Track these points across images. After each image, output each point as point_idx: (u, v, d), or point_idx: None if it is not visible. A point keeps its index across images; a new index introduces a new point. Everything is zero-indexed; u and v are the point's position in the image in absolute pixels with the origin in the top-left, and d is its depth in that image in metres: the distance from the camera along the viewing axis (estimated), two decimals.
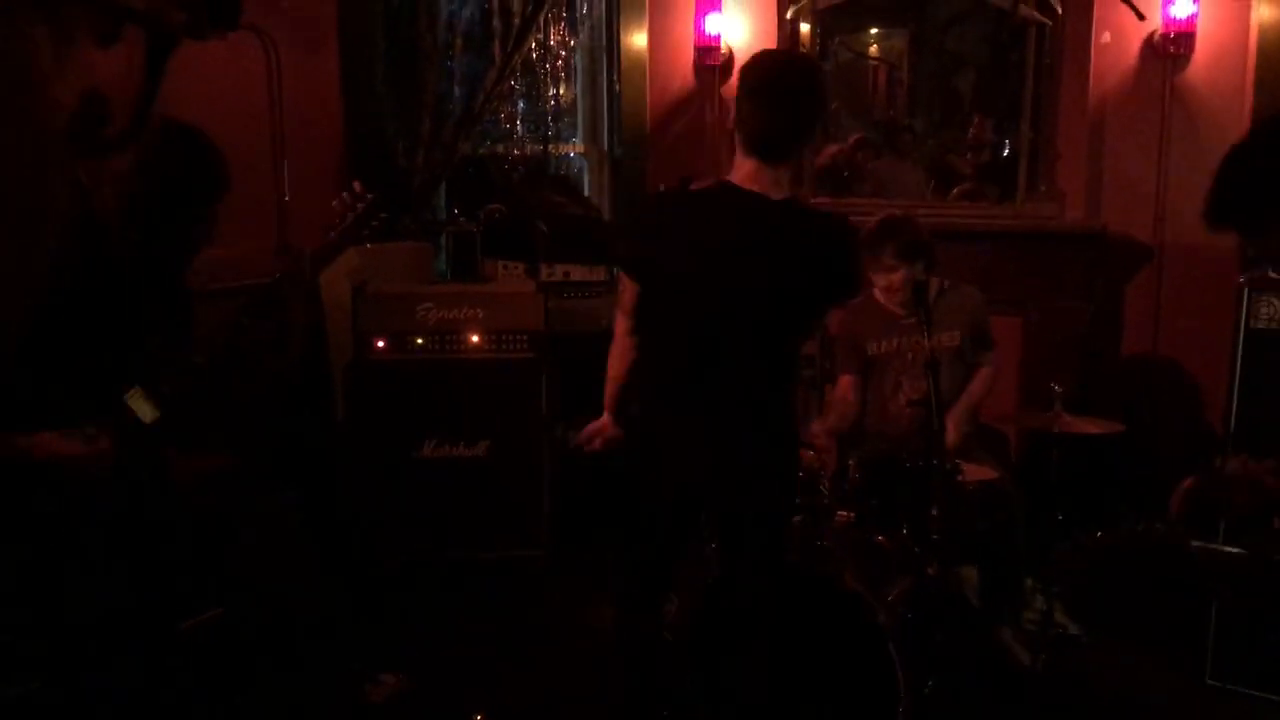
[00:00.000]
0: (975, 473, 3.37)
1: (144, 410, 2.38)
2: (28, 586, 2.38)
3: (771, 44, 4.92)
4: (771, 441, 2.59)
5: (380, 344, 4.10)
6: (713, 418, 2.52)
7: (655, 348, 2.63)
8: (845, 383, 3.85)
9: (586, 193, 5.37)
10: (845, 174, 5.43)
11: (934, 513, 2.93)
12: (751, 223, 2.45)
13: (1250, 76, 4.44)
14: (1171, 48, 4.49)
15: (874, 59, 5.91)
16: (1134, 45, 4.58)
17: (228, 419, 3.81)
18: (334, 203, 2.64)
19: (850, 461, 3.38)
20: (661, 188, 4.36)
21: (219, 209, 2.55)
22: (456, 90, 4.82)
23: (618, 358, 2.75)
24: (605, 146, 5.31)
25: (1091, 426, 3.51)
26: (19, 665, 2.44)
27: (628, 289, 2.66)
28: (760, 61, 2.51)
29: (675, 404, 2.57)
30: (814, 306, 2.68)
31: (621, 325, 2.73)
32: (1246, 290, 3.59)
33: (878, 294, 3.82)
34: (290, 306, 2.64)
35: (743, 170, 2.48)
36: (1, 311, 0.83)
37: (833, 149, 5.45)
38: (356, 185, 2.65)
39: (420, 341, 4.12)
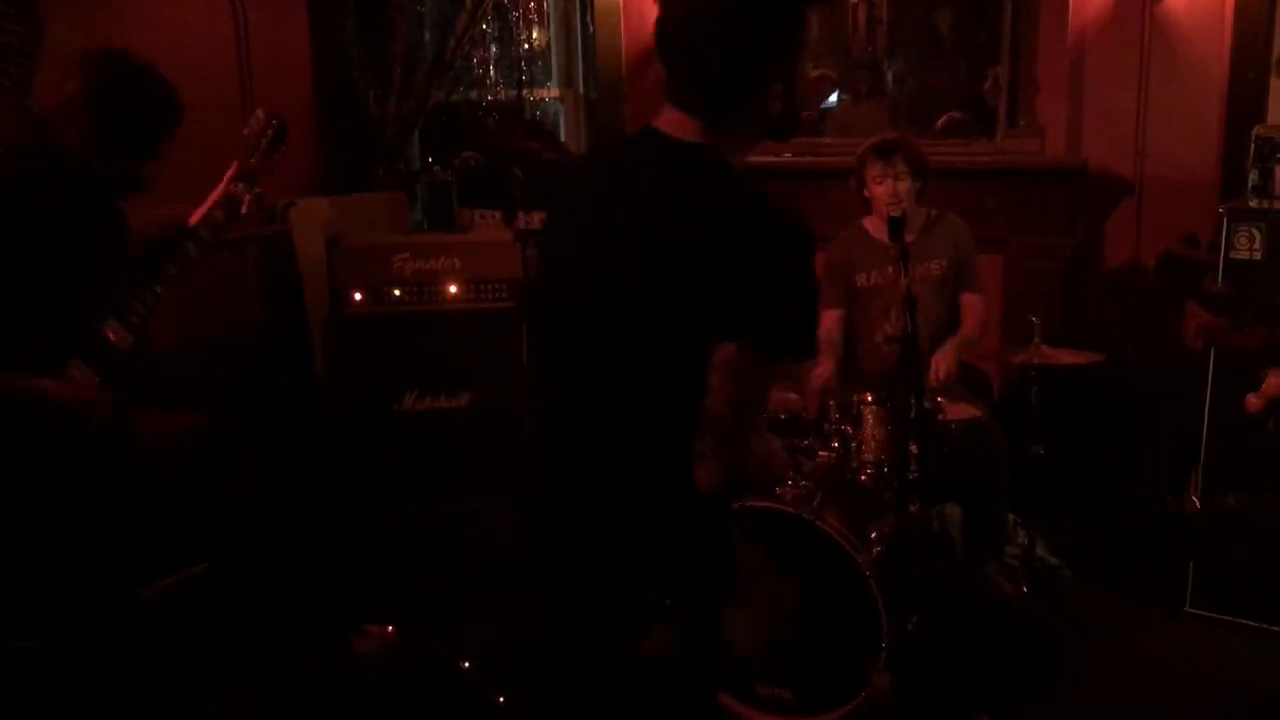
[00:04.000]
0: (957, 411, 3.37)
1: (122, 338, 2.54)
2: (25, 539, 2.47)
3: None
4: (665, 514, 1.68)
5: (357, 297, 4.06)
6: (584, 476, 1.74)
7: (538, 402, 1.85)
8: (830, 318, 3.82)
9: (563, 138, 5.31)
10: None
11: (914, 450, 2.93)
12: (642, 180, 1.70)
13: (1230, 7, 4.39)
14: None
15: None
16: None
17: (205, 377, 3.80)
18: (245, 130, 2.77)
19: (831, 401, 3.37)
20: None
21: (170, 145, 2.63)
22: (427, 36, 4.73)
23: None
24: (581, 90, 5.24)
25: (1070, 357, 3.52)
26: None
27: None
28: None
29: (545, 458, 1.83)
30: (703, 321, 1.58)
31: None
32: (1225, 221, 3.58)
33: (867, 223, 3.81)
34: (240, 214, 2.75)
35: (664, 118, 1.73)
36: None
37: None
38: (260, 112, 2.79)
39: (398, 293, 4.08)
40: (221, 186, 2.77)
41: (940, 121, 5.20)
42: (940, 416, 3.28)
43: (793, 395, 3.62)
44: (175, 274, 2.65)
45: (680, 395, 1.59)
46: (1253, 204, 3.60)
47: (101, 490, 2.61)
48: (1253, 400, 2.75)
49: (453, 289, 4.09)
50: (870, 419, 3.24)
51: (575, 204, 1.81)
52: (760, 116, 1.69)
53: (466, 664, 3.21)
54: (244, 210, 2.77)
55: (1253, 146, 3.69)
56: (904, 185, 3.62)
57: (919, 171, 3.66)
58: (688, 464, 1.60)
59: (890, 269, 3.71)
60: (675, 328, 1.60)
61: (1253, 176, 3.64)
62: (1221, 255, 3.56)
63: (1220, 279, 3.50)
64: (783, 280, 1.58)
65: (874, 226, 3.78)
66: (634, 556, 1.69)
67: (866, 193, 3.71)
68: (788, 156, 4.94)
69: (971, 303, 3.84)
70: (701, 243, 1.58)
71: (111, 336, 2.54)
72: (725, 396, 1.57)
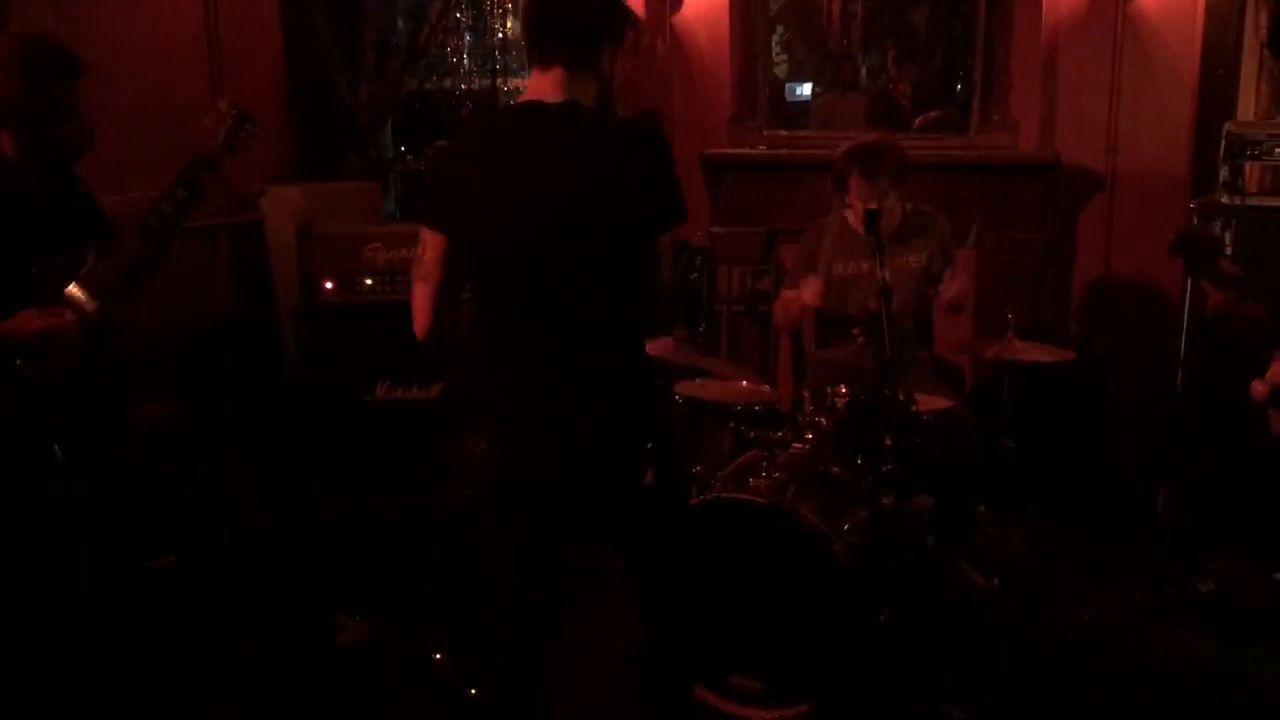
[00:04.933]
0: (929, 402, 3.38)
1: (83, 302, 2.61)
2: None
3: None
4: (630, 398, 2.26)
5: (328, 285, 4.02)
6: (575, 385, 2.19)
7: (491, 311, 2.23)
8: (814, 284, 3.73)
9: None
10: None
11: (888, 443, 2.93)
12: (550, 132, 2.12)
13: (1201, 4, 4.43)
14: None
15: None
16: None
17: (174, 365, 3.76)
18: (205, 119, 2.78)
19: (806, 393, 3.37)
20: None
21: (78, 96, 2.67)
22: (400, 24, 4.69)
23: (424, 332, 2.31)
24: None
25: (1042, 354, 3.53)
26: None
27: (429, 245, 2.23)
28: None
29: (527, 375, 2.21)
30: (638, 216, 2.17)
31: (423, 296, 2.26)
32: (1196, 216, 3.61)
33: (849, 216, 3.80)
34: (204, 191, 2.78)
35: (530, 83, 2.20)
36: None
37: None
38: (222, 103, 2.81)
39: (369, 282, 4.04)
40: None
41: (917, 122, 5.22)
42: (913, 408, 3.28)
43: (766, 387, 3.62)
44: (157, 225, 2.70)
45: (638, 277, 2.22)
46: (1224, 199, 3.64)
47: (97, 469, 2.72)
48: (1258, 386, 2.70)
49: None
50: (844, 411, 3.24)
51: (497, 157, 2.16)
52: (601, 72, 2.19)
53: (437, 656, 3.19)
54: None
55: (1223, 143, 3.72)
56: (889, 201, 3.58)
57: (901, 179, 3.62)
58: (639, 329, 2.31)
59: (867, 263, 3.71)
60: (631, 230, 2.17)
61: (1224, 172, 3.68)
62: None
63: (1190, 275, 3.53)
64: (672, 173, 2.20)
65: (854, 218, 3.76)
66: (627, 403, 2.24)
67: (847, 199, 3.66)
68: (762, 149, 4.94)
69: (948, 276, 3.79)
70: (628, 165, 2.14)
71: (74, 296, 2.61)
72: (664, 269, 2.28)
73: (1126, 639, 3.44)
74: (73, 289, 2.62)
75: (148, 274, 2.76)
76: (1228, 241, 3.62)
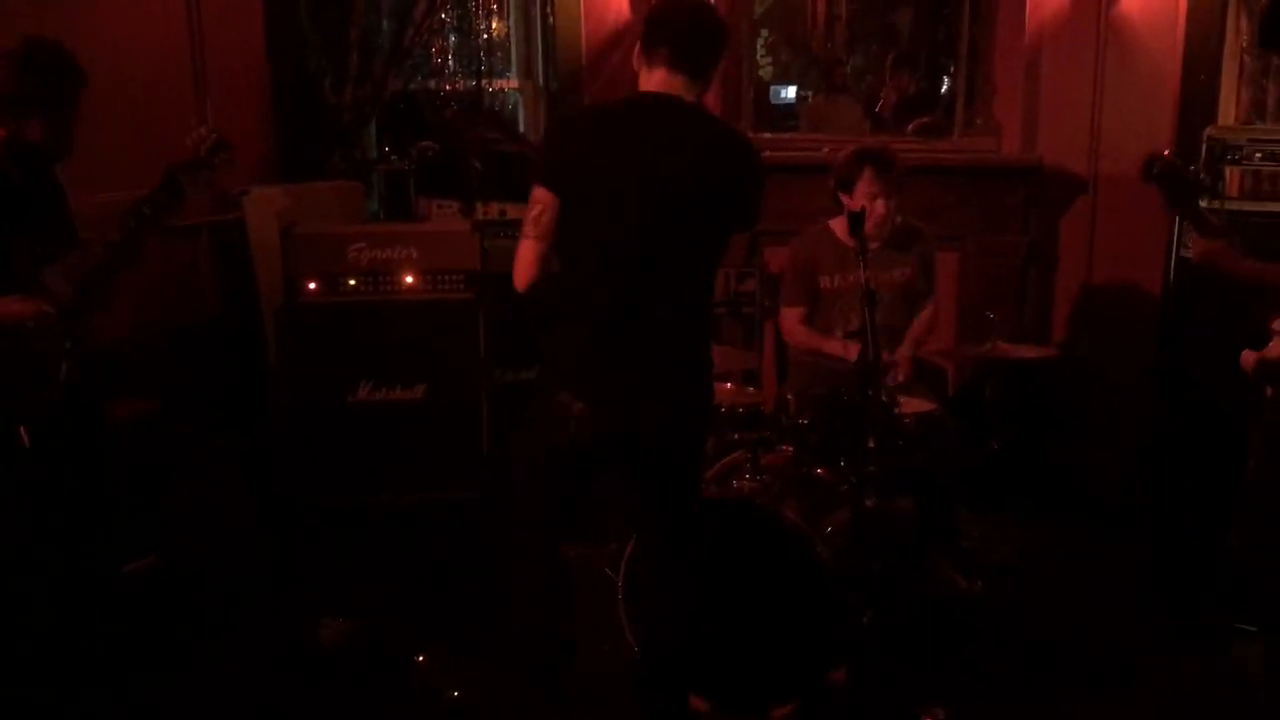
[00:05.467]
0: (912, 405, 3.39)
1: (62, 289, 2.70)
2: None
3: None
4: (696, 374, 2.55)
5: (311, 286, 4.00)
6: (647, 348, 2.45)
7: (582, 272, 2.48)
8: (791, 315, 3.83)
9: (522, 129, 5.27)
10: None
11: (871, 445, 2.94)
12: (671, 122, 2.45)
13: (1182, 8, 4.46)
14: None
15: None
16: None
17: (156, 364, 3.75)
18: (187, 139, 2.91)
19: (789, 395, 3.37)
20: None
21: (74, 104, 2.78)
22: (385, 24, 4.68)
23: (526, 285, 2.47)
24: (540, 81, 5.20)
25: (1025, 352, 3.55)
26: None
27: (545, 207, 2.43)
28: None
29: (606, 334, 2.45)
30: (728, 214, 2.54)
31: (532, 251, 2.45)
32: (1178, 220, 3.63)
33: (834, 227, 3.81)
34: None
35: (653, 79, 2.49)
36: None
37: None
38: (203, 128, 2.96)
39: (353, 283, 4.03)
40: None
41: (911, 126, 5.24)
42: (896, 410, 3.29)
43: (751, 389, 3.62)
44: (135, 225, 2.80)
45: (712, 267, 2.56)
46: (1204, 204, 3.65)
47: (71, 465, 2.81)
48: (1248, 356, 2.66)
49: (409, 279, 4.04)
50: (828, 413, 3.25)
51: (613, 134, 2.47)
52: (709, 84, 2.58)
53: (420, 658, 3.18)
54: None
55: (1205, 147, 3.75)
56: (894, 203, 3.62)
57: (902, 185, 3.66)
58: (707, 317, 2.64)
59: (851, 274, 3.72)
60: (714, 223, 2.49)
61: (1205, 177, 3.70)
62: (1172, 255, 3.61)
63: (1171, 278, 3.53)
64: (760, 188, 2.58)
65: (840, 228, 3.76)
66: (688, 380, 2.52)
67: (848, 199, 3.66)
68: None
69: (923, 315, 3.87)
70: (725, 166, 2.48)
71: (50, 285, 2.70)
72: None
73: (1110, 641, 3.46)
74: (51, 276, 2.70)
75: (123, 270, 2.85)
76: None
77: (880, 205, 3.57)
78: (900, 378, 3.59)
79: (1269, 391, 2.72)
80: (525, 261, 2.46)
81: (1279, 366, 2.63)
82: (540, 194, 2.45)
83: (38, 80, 2.67)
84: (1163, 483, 3.80)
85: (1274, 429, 2.74)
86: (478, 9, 5.05)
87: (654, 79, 2.49)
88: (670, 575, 2.61)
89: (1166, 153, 2.94)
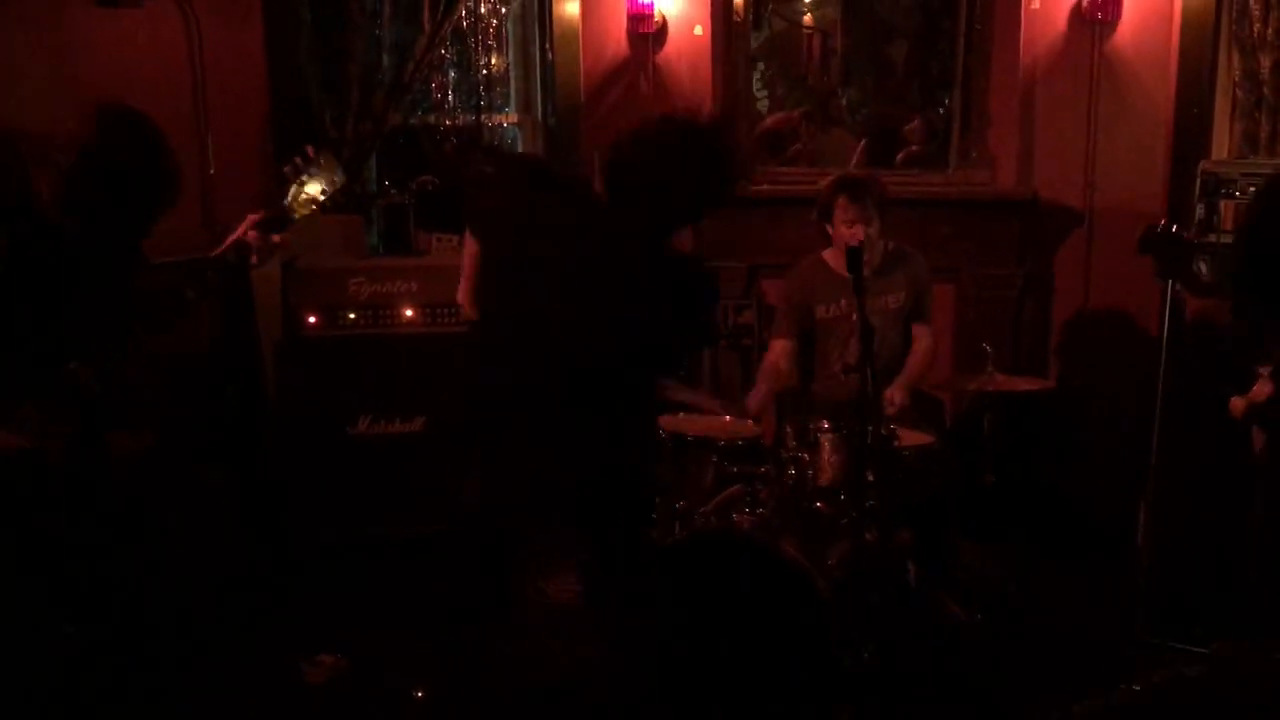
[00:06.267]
0: (911, 438, 3.40)
1: (87, 383, 2.52)
2: None
3: (705, 13, 4.88)
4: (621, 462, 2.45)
5: (311, 319, 4.02)
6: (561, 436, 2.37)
7: (498, 345, 2.44)
8: (779, 348, 3.86)
9: None
10: (789, 143, 5.43)
11: (870, 478, 2.95)
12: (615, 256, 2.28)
13: (1175, 42, 4.51)
14: (1099, 14, 4.53)
15: (808, 27, 5.90)
16: (1063, 11, 4.61)
17: (154, 396, 3.73)
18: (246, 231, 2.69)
19: (788, 428, 3.38)
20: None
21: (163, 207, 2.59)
22: (385, 59, 4.71)
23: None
24: (539, 116, 5.24)
25: (1022, 384, 3.57)
26: None
27: (471, 250, 2.46)
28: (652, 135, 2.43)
29: (519, 415, 2.37)
30: (674, 354, 2.51)
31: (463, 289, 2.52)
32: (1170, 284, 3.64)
33: (828, 258, 3.84)
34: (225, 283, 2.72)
35: None
36: None
37: (779, 116, 5.47)
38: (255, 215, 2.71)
39: (352, 316, 4.04)
40: (240, 230, 2.70)
41: (900, 156, 5.27)
42: (895, 443, 3.30)
43: (749, 422, 3.63)
44: (192, 298, 2.64)
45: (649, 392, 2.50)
46: (1199, 237, 3.68)
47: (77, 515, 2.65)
48: (1237, 403, 2.73)
49: (409, 313, 4.06)
50: (827, 446, 3.25)
51: (554, 232, 2.33)
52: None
53: (419, 693, 3.17)
54: (254, 260, 2.69)
55: (1199, 181, 3.78)
56: (873, 229, 3.65)
57: (885, 211, 3.70)
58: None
59: (845, 302, 3.74)
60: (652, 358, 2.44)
61: (1199, 210, 3.73)
62: (1168, 288, 3.62)
63: (1168, 311, 3.55)
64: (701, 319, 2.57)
65: (834, 259, 3.80)
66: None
67: (831, 230, 3.72)
68: (744, 185, 4.97)
69: (920, 334, 3.90)
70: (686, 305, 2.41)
71: (78, 378, 2.50)
72: None
73: (1109, 673, 3.45)
74: (78, 367, 2.54)
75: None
76: (1203, 269, 3.65)
77: (858, 232, 3.59)
78: (894, 411, 3.60)
79: (1257, 434, 2.78)
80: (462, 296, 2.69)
81: (1266, 407, 2.68)
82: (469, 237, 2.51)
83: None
84: (1160, 512, 3.79)
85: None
86: (477, 45, 5.09)
87: None
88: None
89: (1163, 222, 2.96)
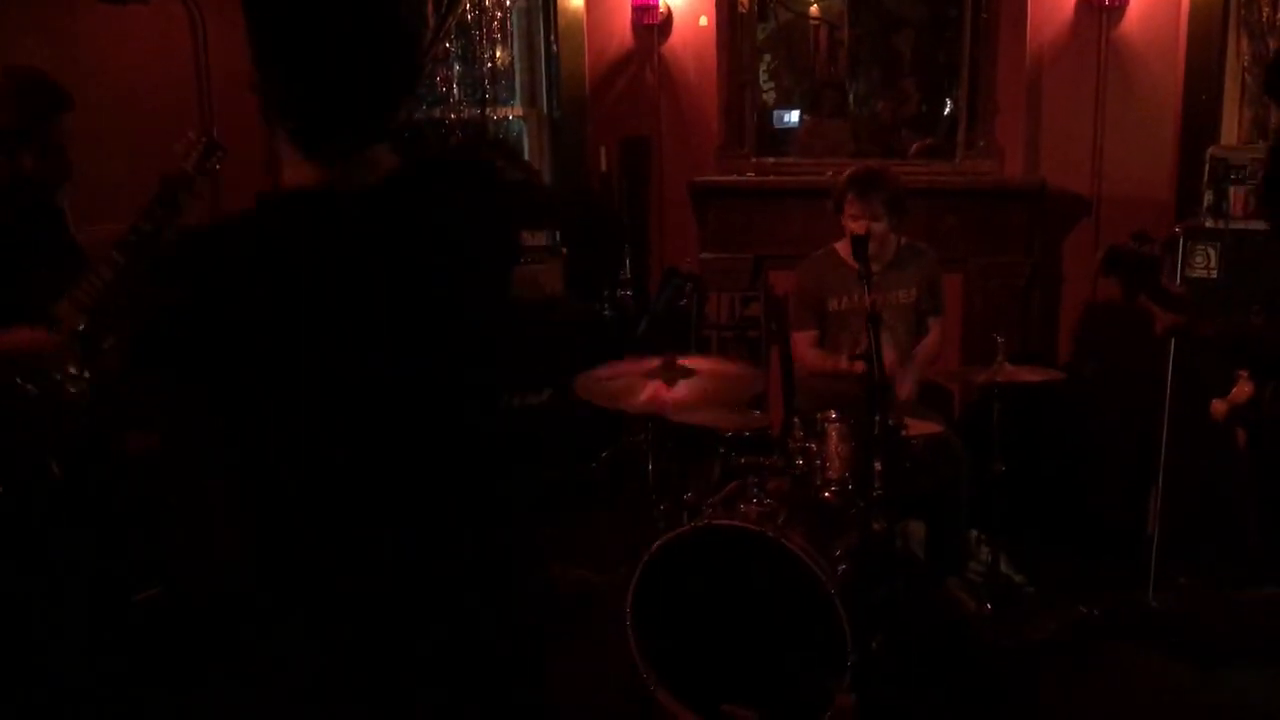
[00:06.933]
0: (919, 428, 3.38)
1: (73, 318, 2.68)
2: None
3: (710, 4, 4.87)
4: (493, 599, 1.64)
5: None
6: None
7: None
8: (804, 339, 3.85)
9: (526, 156, 5.29)
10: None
11: (878, 468, 2.93)
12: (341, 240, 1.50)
13: (1183, 27, 4.47)
14: (1106, 1, 4.50)
15: (814, 19, 5.88)
16: None
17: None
18: (175, 146, 2.81)
19: (795, 418, 3.37)
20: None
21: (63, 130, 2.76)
22: None
23: None
24: (544, 109, 5.24)
25: (1031, 375, 3.55)
26: None
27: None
28: None
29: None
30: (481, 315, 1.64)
31: None
32: (1182, 240, 3.63)
33: (839, 249, 3.82)
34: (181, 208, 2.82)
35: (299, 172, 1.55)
36: None
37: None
38: (191, 132, 2.85)
39: None
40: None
41: (913, 149, 5.24)
42: (903, 433, 3.29)
43: (758, 413, 3.62)
44: (137, 240, 2.74)
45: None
46: (1208, 223, 3.66)
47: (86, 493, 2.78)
48: (1218, 406, 2.76)
49: None
50: (834, 436, 3.24)
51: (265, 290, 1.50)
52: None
53: None
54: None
55: (1207, 167, 3.75)
56: (880, 226, 3.62)
57: (896, 208, 3.67)
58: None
59: (858, 295, 3.73)
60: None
61: (1208, 196, 3.70)
62: (1178, 274, 3.61)
63: (1178, 279, 3.55)
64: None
65: (846, 251, 3.78)
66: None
67: (843, 222, 3.71)
68: (750, 176, 4.96)
69: (932, 325, 3.90)
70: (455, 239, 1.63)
71: (61, 315, 2.68)
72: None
73: (1118, 664, 3.43)
74: (61, 306, 2.68)
75: (133, 290, 2.78)
76: (1213, 263, 3.63)
77: (866, 226, 3.56)
78: (903, 397, 3.58)
79: (1240, 434, 2.81)
80: None
81: (1246, 409, 2.70)
82: None
83: (25, 112, 2.67)
84: (1167, 502, 3.78)
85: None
86: (482, 38, 5.08)
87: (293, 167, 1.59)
88: None
89: (1125, 242, 2.93)
